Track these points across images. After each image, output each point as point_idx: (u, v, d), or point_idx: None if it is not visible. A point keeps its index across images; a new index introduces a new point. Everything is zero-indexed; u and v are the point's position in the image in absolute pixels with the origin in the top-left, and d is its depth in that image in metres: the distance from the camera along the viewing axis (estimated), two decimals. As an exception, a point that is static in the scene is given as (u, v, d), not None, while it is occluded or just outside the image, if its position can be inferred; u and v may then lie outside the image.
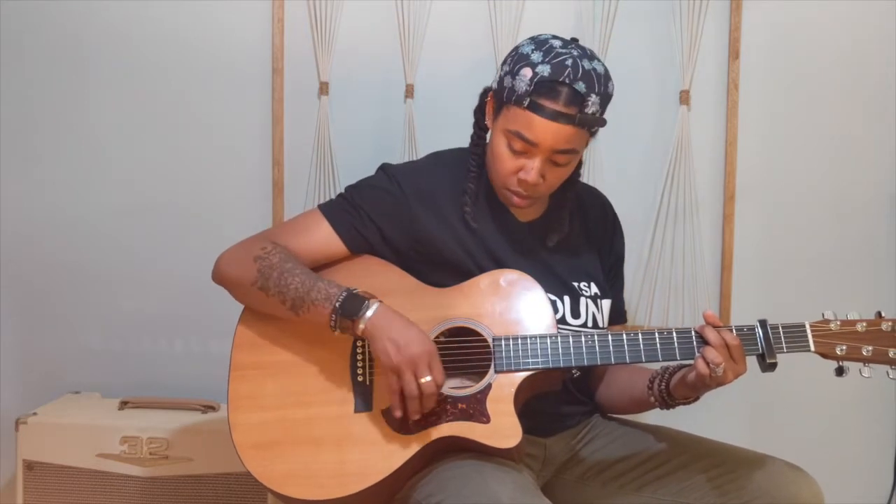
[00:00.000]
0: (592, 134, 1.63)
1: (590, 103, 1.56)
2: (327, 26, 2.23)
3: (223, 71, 2.27)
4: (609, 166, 2.24)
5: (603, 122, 1.61)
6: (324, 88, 2.25)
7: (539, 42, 1.60)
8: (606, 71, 1.60)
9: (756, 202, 2.30)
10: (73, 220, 2.30)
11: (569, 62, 1.55)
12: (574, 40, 1.62)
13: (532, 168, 1.59)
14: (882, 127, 2.29)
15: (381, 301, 1.54)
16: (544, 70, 1.55)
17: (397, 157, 2.22)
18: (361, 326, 1.52)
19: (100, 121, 2.29)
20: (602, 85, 1.57)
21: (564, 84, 1.54)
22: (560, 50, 1.57)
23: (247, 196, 2.29)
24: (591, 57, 1.59)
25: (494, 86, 1.64)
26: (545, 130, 1.56)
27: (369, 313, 1.52)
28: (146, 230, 2.30)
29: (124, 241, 2.30)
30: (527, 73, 1.55)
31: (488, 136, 1.71)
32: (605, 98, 1.59)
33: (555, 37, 1.62)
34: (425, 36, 2.23)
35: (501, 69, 1.62)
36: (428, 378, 1.49)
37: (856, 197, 2.31)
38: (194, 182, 2.30)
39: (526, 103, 1.55)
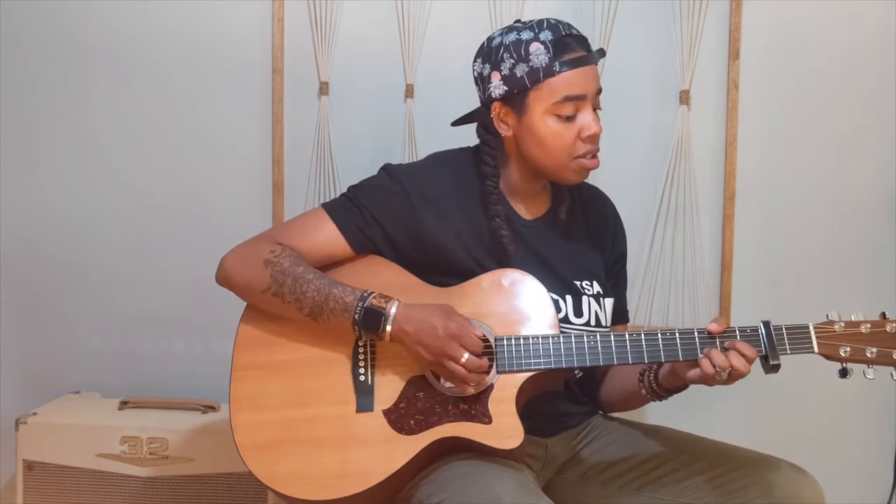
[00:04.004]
0: None
1: (590, 41, 1.65)
2: (327, 26, 2.23)
3: (223, 71, 2.27)
4: (609, 166, 2.22)
5: (604, 53, 1.70)
6: (324, 88, 2.25)
7: (508, 29, 1.65)
8: None
9: (756, 202, 2.30)
10: (73, 220, 2.30)
11: (553, 21, 1.63)
12: (518, 20, 1.68)
13: (590, 119, 1.63)
14: (882, 127, 2.29)
15: (396, 303, 1.55)
16: (547, 35, 1.60)
17: (397, 157, 2.22)
18: (388, 339, 1.55)
19: (100, 121, 2.29)
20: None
21: (569, 35, 1.62)
22: (534, 21, 1.64)
23: (247, 196, 2.29)
24: None
25: (499, 91, 1.64)
26: (585, 77, 1.61)
27: (389, 327, 1.54)
28: (146, 230, 2.30)
29: (124, 241, 2.30)
30: (537, 46, 1.59)
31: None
32: None
33: (511, 25, 1.67)
34: (425, 36, 2.24)
35: (495, 74, 1.63)
36: (466, 356, 1.51)
37: (856, 197, 2.31)
38: (194, 182, 2.30)
39: (557, 67, 1.59)
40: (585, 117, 1.62)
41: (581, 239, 1.78)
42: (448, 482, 1.48)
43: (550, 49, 1.59)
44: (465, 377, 1.53)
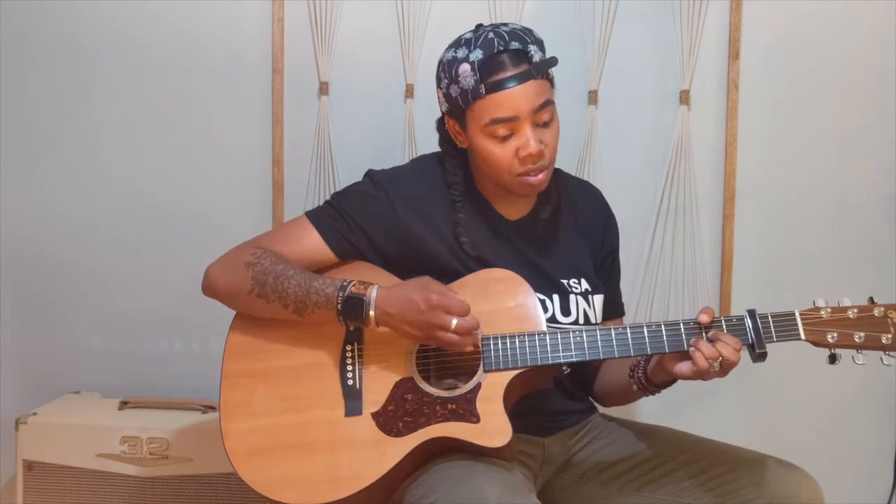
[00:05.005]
0: (552, 81, 1.64)
1: (532, 52, 1.60)
2: (327, 26, 2.23)
3: (223, 71, 2.27)
4: (609, 166, 2.24)
5: (555, 61, 1.63)
6: (324, 88, 2.25)
7: (452, 45, 1.64)
8: (524, 26, 1.64)
9: (756, 202, 2.30)
10: (73, 220, 2.31)
11: (490, 36, 1.59)
12: (479, 25, 1.65)
13: (527, 138, 1.59)
14: (882, 126, 2.28)
15: (375, 288, 1.55)
16: (477, 55, 1.57)
17: (397, 157, 2.22)
18: (373, 325, 1.55)
19: (100, 121, 2.29)
20: (530, 35, 1.62)
21: (501, 52, 1.58)
22: (475, 35, 1.61)
23: (247, 196, 2.30)
24: (505, 24, 1.63)
25: (444, 109, 1.66)
26: (514, 98, 1.57)
27: (373, 312, 1.54)
28: (146, 230, 2.30)
29: (124, 241, 2.31)
30: (465, 68, 1.58)
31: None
32: (541, 43, 1.63)
33: (459, 36, 1.65)
34: (425, 36, 2.23)
35: (439, 91, 1.65)
36: (454, 322, 1.51)
37: (856, 196, 2.31)
38: (194, 182, 2.30)
39: (483, 90, 1.57)
40: (520, 138, 1.59)
41: (568, 236, 1.78)
42: (438, 483, 1.48)
43: (477, 71, 1.57)
44: (459, 342, 1.53)
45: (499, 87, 1.57)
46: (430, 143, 2.09)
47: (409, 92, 2.25)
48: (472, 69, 1.57)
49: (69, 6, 2.26)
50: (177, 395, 2.23)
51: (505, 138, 1.60)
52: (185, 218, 2.30)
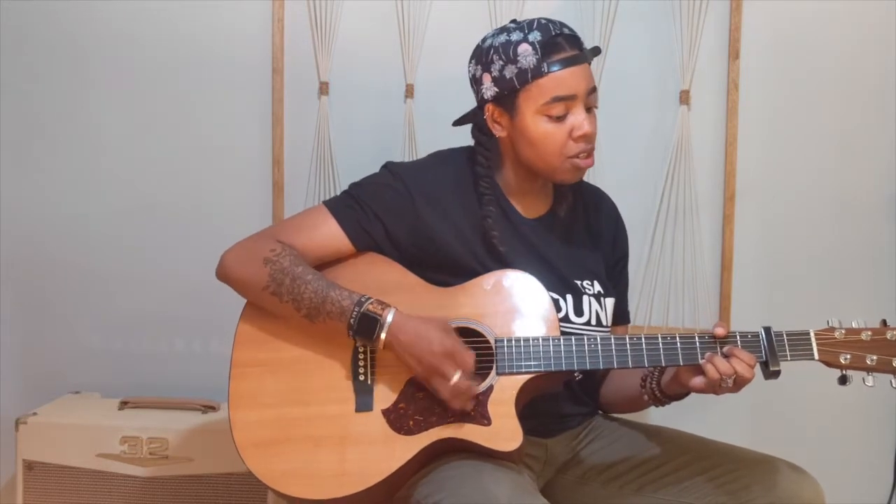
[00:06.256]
0: None
1: (582, 40, 1.64)
2: (327, 26, 2.23)
3: (223, 71, 2.27)
4: (609, 166, 2.24)
5: (599, 50, 1.69)
6: (324, 88, 2.25)
7: (497, 32, 1.65)
8: None
9: (756, 202, 2.30)
10: (73, 220, 2.31)
11: (543, 21, 1.62)
12: (514, 20, 1.67)
13: (581, 119, 1.62)
14: (882, 127, 2.28)
15: (392, 311, 1.55)
16: (536, 36, 1.60)
17: (397, 157, 2.22)
18: (381, 346, 1.55)
19: (100, 121, 2.29)
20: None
21: (559, 35, 1.61)
22: (521, 23, 1.63)
23: (247, 196, 2.29)
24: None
25: (491, 93, 1.64)
26: (574, 77, 1.61)
27: (384, 335, 1.54)
28: (146, 230, 2.30)
29: (124, 241, 2.31)
30: (525, 48, 1.59)
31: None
32: None
33: (502, 26, 1.67)
34: (425, 36, 2.24)
35: (486, 76, 1.63)
36: (457, 376, 1.51)
37: (856, 197, 2.31)
38: (194, 182, 2.30)
39: (545, 68, 1.59)
40: (577, 117, 1.62)
41: (582, 238, 1.78)
42: (445, 482, 1.48)
43: (539, 50, 1.58)
44: (450, 399, 1.53)
45: (561, 65, 1.59)
46: (430, 144, 2.10)
47: (409, 92, 2.25)
48: (534, 49, 1.58)
49: (69, 6, 2.26)
50: (177, 395, 2.23)
51: (559, 119, 1.62)
52: (185, 218, 2.30)
